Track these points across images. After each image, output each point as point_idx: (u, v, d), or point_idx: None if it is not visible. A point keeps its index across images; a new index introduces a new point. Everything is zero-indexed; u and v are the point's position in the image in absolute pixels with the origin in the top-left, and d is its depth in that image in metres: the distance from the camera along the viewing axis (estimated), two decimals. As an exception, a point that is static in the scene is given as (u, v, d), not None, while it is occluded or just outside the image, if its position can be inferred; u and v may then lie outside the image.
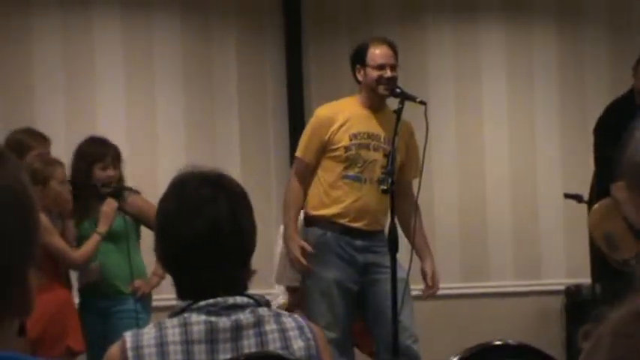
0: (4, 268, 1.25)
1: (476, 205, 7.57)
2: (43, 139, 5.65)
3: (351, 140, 5.45)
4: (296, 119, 7.46)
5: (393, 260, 5.12)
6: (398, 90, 5.37)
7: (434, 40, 7.66)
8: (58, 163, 5.45)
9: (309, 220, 5.53)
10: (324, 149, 5.48)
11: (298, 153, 5.56)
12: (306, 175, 5.51)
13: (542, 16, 7.79)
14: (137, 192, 5.68)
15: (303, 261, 5.38)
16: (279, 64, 7.49)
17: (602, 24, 7.80)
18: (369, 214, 5.44)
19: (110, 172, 5.58)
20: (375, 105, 5.51)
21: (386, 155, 5.36)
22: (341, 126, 5.47)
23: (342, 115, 5.49)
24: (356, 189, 5.45)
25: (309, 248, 5.41)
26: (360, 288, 5.46)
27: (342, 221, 5.45)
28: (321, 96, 7.40)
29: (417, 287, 5.59)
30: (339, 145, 5.45)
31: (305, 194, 5.51)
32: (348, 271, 5.44)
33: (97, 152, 5.59)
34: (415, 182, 5.44)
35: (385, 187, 5.06)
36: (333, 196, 5.46)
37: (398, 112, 5.27)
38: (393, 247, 5.11)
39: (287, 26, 7.54)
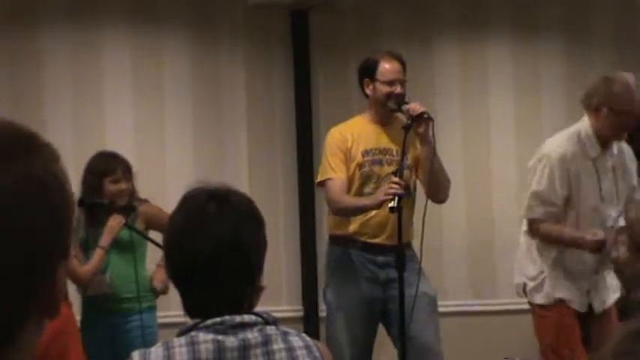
0: (30, 264, 1.20)
1: (484, 221, 7.56)
2: None
3: (363, 157, 5.45)
4: (304, 139, 7.48)
5: (401, 278, 5.13)
6: (405, 107, 5.37)
7: (440, 58, 7.67)
8: None
9: (332, 240, 5.54)
10: (347, 161, 5.44)
11: (329, 174, 5.44)
12: (345, 190, 5.41)
13: (549, 33, 7.79)
14: (146, 200, 5.70)
15: (398, 180, 5.09)
16: (288, 85, 7.51)
17: (609, 40, 7.80)
18: (387, 228, 5.38)
19: (122, 186, 5.56)
20: (385, 119, 5.50)
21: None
22: (352, 144, 5.47)
23: (350, 133, 5.50)
24: None
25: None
26: (383, 304, 5.42)
27: (362, 238, 5.42)
28: (329, 114, 7.42)
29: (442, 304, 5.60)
30: (354, 162, 5.45)
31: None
32: (369, 288, 5.41)
33: (106, 166, 5.59)
34: (422, 199, 5.43)
35: (393, 206, 5.04)
36: None
37: (406, 129, 5.26)
38: (401, 265, 5.12)
39: (295, 48, 7.55)
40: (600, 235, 5.24)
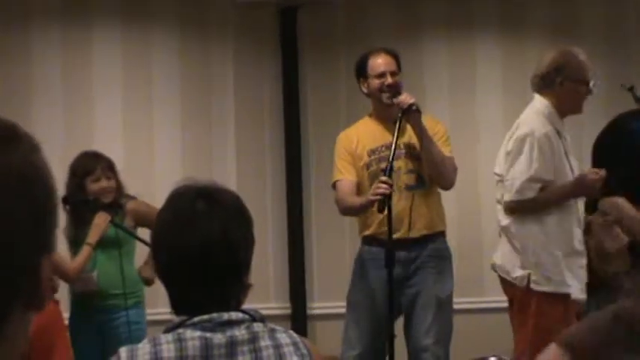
0: (14, 258, 1.19)
1: (471, 219, 7.57)
2: None
3: (369, 156, 5.47)
4: (292, 137, 7.48)
5: (390, 275, 5.14)
6: (396, 100, 5.36)
7: (429, 56, 7.68)
8: None
9: (361, 240, 5.57)
10: (355, 162, 5.47)
11: (337, 176, 5.49)
12: (352, 191, 5.45)
13: (537, 31, 7.81)
14: (133, 197, 5.70)
15: (386, 179, 5.11)
16: (276, 82, 7.51)
17: (598, 39, 7.82)
18: (403, 221, 5.38)
19: (103, 184, 5.58)
20: (386, 115, 5.49)
21: (412, 157, 5.42)
22: (357, 144, 5.49)
23: (356, 134, 5.55)
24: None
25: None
26: (398, 301, 5.38)
27: (382, 236, 5.35)
28: (317, 112, 7.43)
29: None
30: (361, 163, 5.48)
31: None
32: (385, 287, 5.32)
33: (87, 166, 5.60)
34: None
35: (382, 206, 5.05)
36: (370, 214, 5.42)
37: (399, 122, 5.27)
38: (390, 263, 5.13)
39: (284, 45, 7.56)
40: (602, 172, 5.25)
